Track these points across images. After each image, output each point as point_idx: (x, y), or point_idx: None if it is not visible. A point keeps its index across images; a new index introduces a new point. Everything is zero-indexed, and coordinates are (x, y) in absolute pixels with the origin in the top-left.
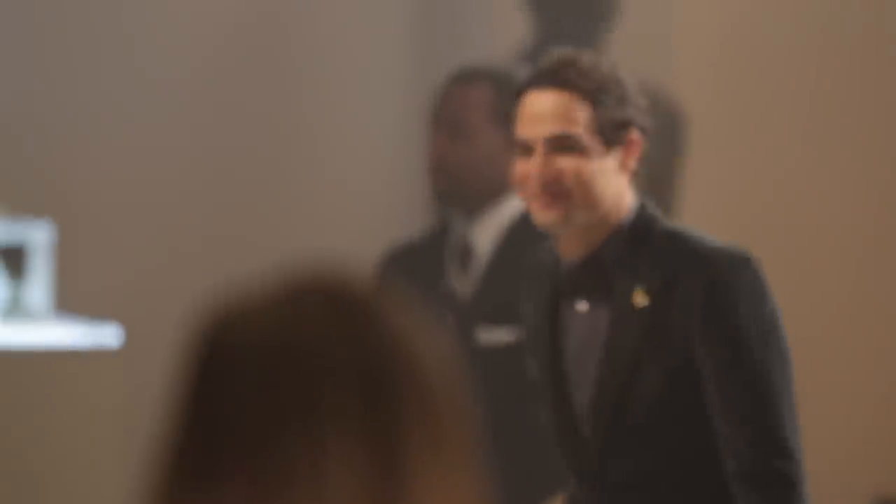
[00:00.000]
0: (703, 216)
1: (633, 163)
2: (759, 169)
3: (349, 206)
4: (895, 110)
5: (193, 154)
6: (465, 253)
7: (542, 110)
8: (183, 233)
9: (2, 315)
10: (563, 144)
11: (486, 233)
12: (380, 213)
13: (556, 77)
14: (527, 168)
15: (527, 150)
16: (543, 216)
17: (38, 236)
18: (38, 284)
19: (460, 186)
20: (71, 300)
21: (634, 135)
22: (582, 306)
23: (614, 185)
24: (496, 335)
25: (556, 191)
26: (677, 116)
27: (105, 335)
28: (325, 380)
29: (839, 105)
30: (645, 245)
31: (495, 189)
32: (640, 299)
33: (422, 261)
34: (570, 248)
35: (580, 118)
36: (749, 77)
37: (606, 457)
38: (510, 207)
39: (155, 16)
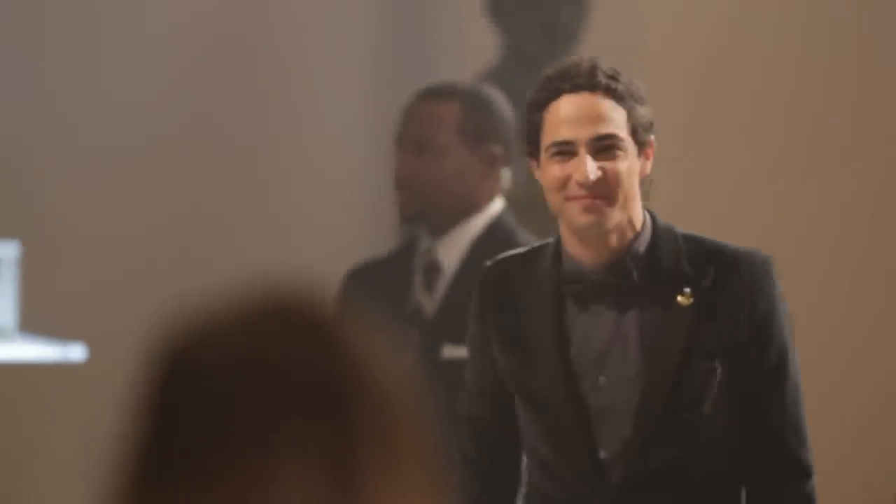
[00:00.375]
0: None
1: (649, 166)
2: (726, 179)
3: (315, 222)
4: (868, 109)
5: (160, 173)
6: (432, 270)
7: (582, 112)
8: (148, 251)
9: None
10: (606, 146)
11: (453, 250)
12: (346, 229)
13: (589, 80)
14: (566, 170)
15: (564, 153)
16: (584, 218)
17: (4, 256)
18: (5, 303)
19: (427, 204)
20: (36, 319)
21: (652, 140)
22: (603, 309)
23: (637, 187)
24: (462, 351)
25: (601, 192)
26: None
27: (69, 352)
28: (282, 399)
29: (808, 111)
30: (676, 247)
31: (462, 207)
32: (685, 299)
33: (387, 277)
34: (598, 254)
35: (620, 120)
36: (717, 93)
37: (640, 460)
38: (476, 224)
39: (123, 37)
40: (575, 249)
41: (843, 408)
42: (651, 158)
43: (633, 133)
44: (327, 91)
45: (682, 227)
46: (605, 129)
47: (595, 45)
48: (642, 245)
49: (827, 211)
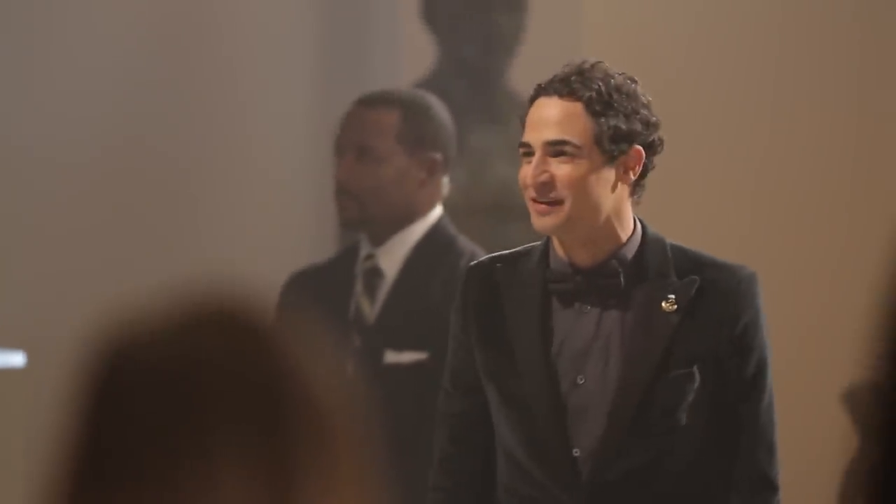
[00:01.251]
0: None
1: (631, 177)
2: (675, 178)
3: (255, 227)
4: (822, 106)
5: (99, 177)
6: (373, 276)
7: (545, 116)
8: (87, 255)
9: None
10: (558, 151)
11: (394, 256)
12: (286, 234)
13: (563, 85)
14: (527, 172)
15: (528, 154)
16: (539, 222)
17: None
18: None
19: (367, 210)
20: None
21: (635, 149)
22: (586, 309)
23: (614, 196)
24: (404, 356)
25: (550, 196)
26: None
27: (9, 359)
28: (219, 403)
29: (751, 112)
30: (664, 256)
31: (402, 213)
32: (669, 306)
33: (329, 283)
34: (586, 256)
35: (581, 127)
36: (656, 95)
37: (610, 461)
38: (416, 231)
39: (67, 36)
40: (559, 250)
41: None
42: (634, 169)
43: (599, 141)
44: (267, 95)
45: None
46: (557, 135)
47: (534, 51)
48: (630, 251)
49: (796, 211)
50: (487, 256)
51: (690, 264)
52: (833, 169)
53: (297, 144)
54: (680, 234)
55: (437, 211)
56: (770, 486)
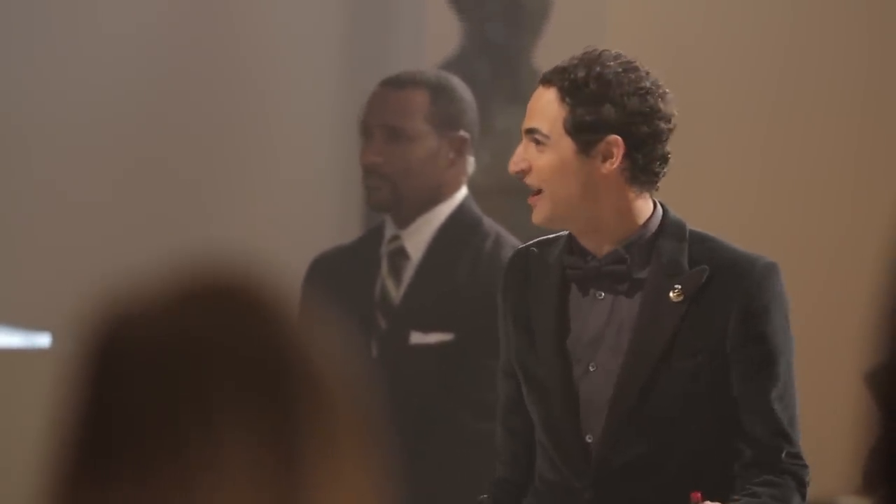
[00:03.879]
0: None
1: (613, 167)
2: (680, 168)
3: (278, 210)
4: (832, 106)
5: (122, 160)
6: (399, 257)
7: (531, 105)
8: (113, 239)
9: None
10: (533, 139)
11: (419, 237)
12: (309, 216)
13: (551, 74)
14: None
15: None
16: (533, 215)
17: None
18: None
19: (398, 191)
20: (1, 308)
21: (612, 138)
22: (600, 296)
23: (602, 186)
24: (430, 337)
25: (529, 184)
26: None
27: (35, 340)
28: (221, 375)
29: (764, 109)
30: (680, 244)
31: (431, 194)
32: (676, 295)
33: (355, 265)
34: (595, 243)
35: (551, 115)
36: (680, 78)
37: (617, 447)
38: (442, 212)
39: (91, 18)
40: (577, 241)
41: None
42: (614, 158)
43: (570, 130)
44: (291, 77)
45: None
46: (531, 123)
47: (559, 30)
48: (643, 238)
49: (811, 197)
50: (530, 242)
51: (706, 253)
52: (842, 156)
53: (321, 126)
54: (701, 221)
55: (463, 192)
56: (798, 468)
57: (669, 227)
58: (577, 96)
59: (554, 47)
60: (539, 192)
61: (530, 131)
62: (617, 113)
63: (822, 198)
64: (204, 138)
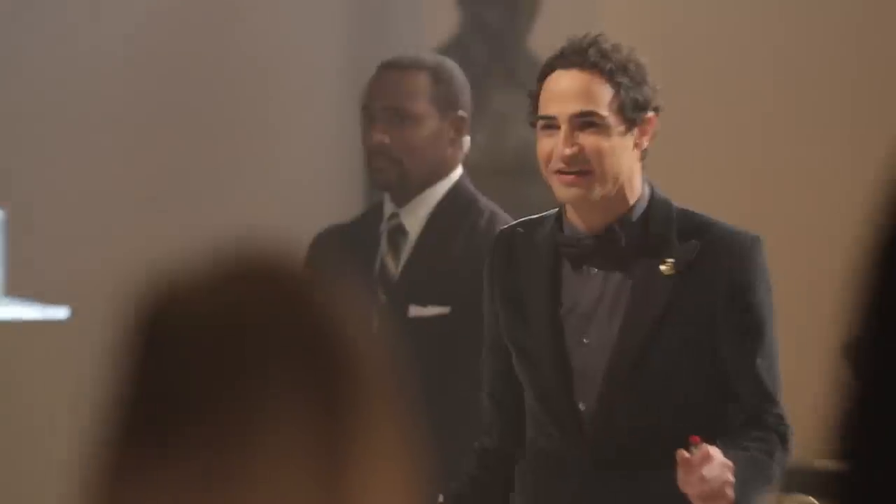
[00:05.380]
0: None
1: (646, 142)
2: (673, 142)
3: (284, 189)
4: (812, 98)
5: (138, 142)
6: (397, 234)
7: (567, 89)
8: (127, 216)
9: None
10: (586, 122)
11: (417, 215)
12: (313, 196)
13: (580, 58)
14: (551, 144)
15: (550, 127)
16: (565, 192)
17: None
18: None
19: (403, 170)
20: (21, 282)
21: (650, 115)
22: (593, 272)
23: (628, 162)
24: (427, 311)
25: (581, 167)
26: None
27: (53, 312)
28: (267, 351)
29: (749, 104)
30: (669, 221)
31: (434, 171)
32: (668, 269)
33: (355, 241)
34: (592, 221)
35: (604, 97)
36: (670, 66)
37: (611, 414)
38: (438, 191)
39: (104, 5)
40: (572, 216)
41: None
42: (648, 134)
43: (621, 110)
44: (296, 62)
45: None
46: (585, 107)
47: (554, 15)
48: (635, 215)
49: (793, 176)
50: (513, 222)
51: (694, 228)
52: (822, 140)
53: (325, 109)
54: (688, 196)
55: (459, 170)
56: (783, 425)
57: (657, 204)
58: (623, 78)
59: (549, 31)
60: (583, 173)
61: (584, 115)
62: (652, 91)
63: (804, 179)
64: (216, 125)
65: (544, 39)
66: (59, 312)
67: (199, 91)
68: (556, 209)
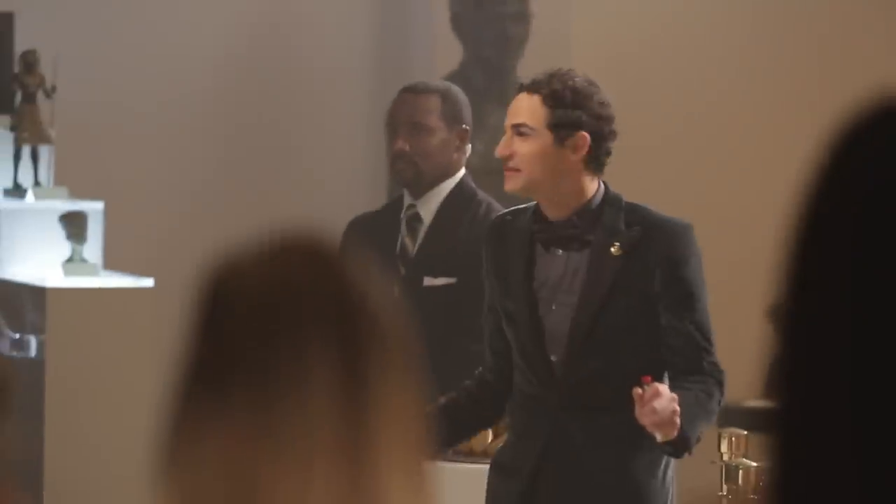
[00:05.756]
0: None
1: (578, 156)
2: (643, 158)
3: (324, 185)
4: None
5: (210, 148)
6: (414, 221)
7: (515, 106)
8: (201, 205)
9: (64, 269)
10: (519, 132)
11: (430, 205)
12: (348, 190)
13: (531, 84)
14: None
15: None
16: (506, 184)
17: (93, 211)
18: (94, 246)
19: (418, 170)
20: (117, 258)
21: (581, 134)
22: (559, 253)
23: (567, 169)
24: (438, 281)
25: (511, 165)
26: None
27: (141, 283)
28: (307, 318)
29: (716, 105)
30: (618, 212)
31: (443, 172)
32: (616, 250)
33: (381, 226)
34: (554, 212)
35: (537, 114)
36: (631, 96)
37: (575, 365)
38: (447, 186)
39: (180, 28)
40: (543, 207)
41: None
42: (581, 149)
43: (551, 126)
44: (334, 86)
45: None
46: (518, 119)
47: (536, 51)
48: (591, 208)
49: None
50: (504, 211)
51: (638, 218)
52: (752, 136)
53: (356, 123)
54: (645, 194)
55: (462, 171)
56: (718, 370)
57: (610, 199)
58: (555, 101)
59: (532, 64)
60: (517, 170)
61: (518, 126)
62: (586, 117)
63: (736, 171)
64: (274, 137)
65: (529, 69)
66: (146, 282)
67: (261, 109)
68: (536, 202)
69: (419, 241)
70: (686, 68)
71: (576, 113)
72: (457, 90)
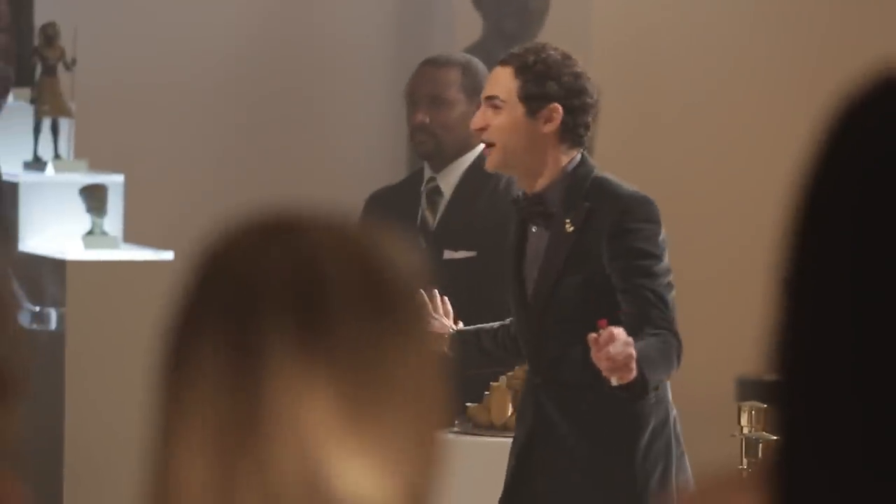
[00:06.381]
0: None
1: (551, 128)
2: (655, 142)
3: (346, 158)
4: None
5: (228, 123)
6: (435, 194)
7: (490, 79)
8: (218, 180)
9: (85, 242)
10: (491, 105)
11: (450, 179)
12: (368, 163)
13: (507, 57)
14: None
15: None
16: (487, 163)
17: (113, 185)
18: (114, 219)
19: (438, 142)
20: (136, 231)
21: (552, 106)
22: (533, 229)
23: (539, 141)
24: (458, 254)
25: (485, 139)
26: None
27: (160, 255)
28: (265, 292)
29: (725, 95)
30: (580, 187)
31: (462, 145)
32: (568, 226)
33: (402, 200)
34: (528, 186)
35: (509, 87)
36: (650, 69)
37: (543, 334)
38: (467, 160)
39: (203, 9)
40: (519, 181)
41: (713, 308)
42: (552, 121)
43: (524, 98)
44: (353, 63)
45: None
46: (491, 91)
47: (556, 24)
48: (560, 183)
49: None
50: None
51: (595, 191)
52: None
53: (377, 97)
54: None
55: (482, 144)
56: (670, 326)
57: (578, 173)
58: (525, 73)
59: (552, 36)
60: (492, 144)
61: (490, 98)
62: (558, 88)
63: (764, 148)
64: (294, 111)
65: (549, 41)
66: (166, 255)
67: (281, 82)
68: None
69: (439, 214)
70: (710, 42)
71: (548, 84)
72: (477, 63)
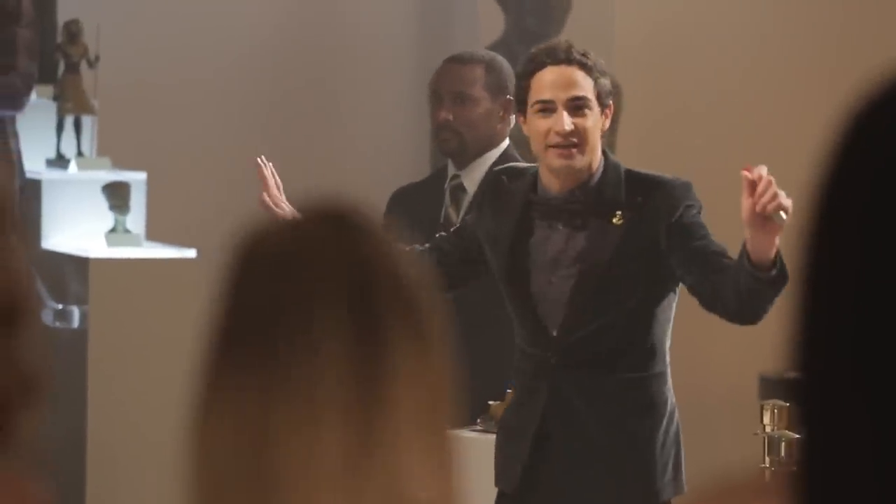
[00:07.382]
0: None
1: (607, 123)
2: (674, 135)
3: (370, 155)
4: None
5: (251, 121)
6: (458, 191)
7: (560, 79)
8: (242, 171)
9: (107, 240)
10: (578, 105)
11: (474, 176)
12: (392, 160)
13: (566, 56)
14: (548, 124)
15: (546, 111)
16: (560, 163)
17: (136, 182)
18: (137, 217)
19: (462, 140)
20: (159, 228)
21: (611, 105)
22: (559, 226)
23: (598, 139)
24: None
25: (573, 141)
26: (618, 89)
27: (184, 253)
28: (317, 282)
29: (740, 89)
30: (618, 182)
31: (487, 142)
32: (617, 220)
33: (426, 197)
34: (561, 185)
35: (588, 86)
36: (671, 65)
37: (573, 330)
38: (491, 157)
39: (227, 6)
40: (547, 180)
41: None
42: (609, 118)
43: (598, 97)
44: (377, 60)
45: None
46: (578, 92)
47: (577, 22)
48: (594, 180)
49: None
50: (508, 165)
51: (638, 184)
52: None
53: (401, 94)
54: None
55: (506, 142)
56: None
57: (610, 169)
58: (597, 73)
59: (574, 33)
60: (574, 146)
61: (578, 99)
62: (611, 86)
63: (784, 138)
64: (321, 108)
65: (572, 39)
66: (189, 253)
67: (305, 79)
68: (533, 166)
69: (463, 211)
70: (731, 39)
71: (608, 82)
72: (501, 60)
